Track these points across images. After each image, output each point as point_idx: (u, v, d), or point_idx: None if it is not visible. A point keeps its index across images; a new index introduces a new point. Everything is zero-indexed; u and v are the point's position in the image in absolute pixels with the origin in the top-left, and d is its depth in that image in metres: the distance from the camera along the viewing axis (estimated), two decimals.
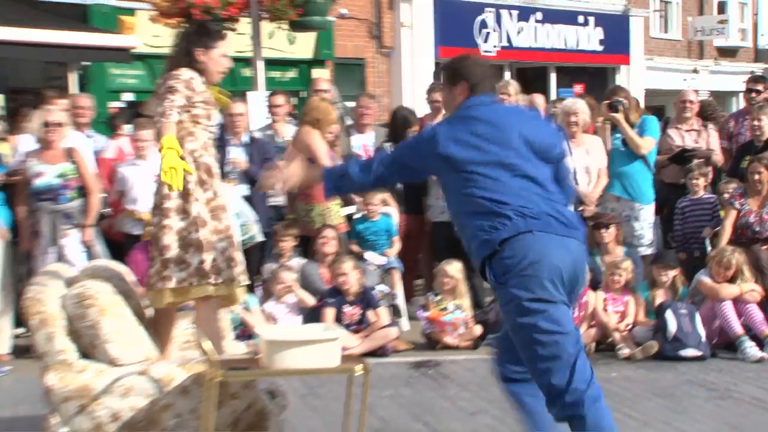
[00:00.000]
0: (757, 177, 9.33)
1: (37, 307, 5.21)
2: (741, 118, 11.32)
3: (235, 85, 17.43)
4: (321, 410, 6.86)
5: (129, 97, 17.45)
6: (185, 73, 5.60)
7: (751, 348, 8.40)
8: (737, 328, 8.55)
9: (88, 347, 5.14)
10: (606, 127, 10.13)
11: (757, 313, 8.63)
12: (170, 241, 5.43)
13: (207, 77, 5.75)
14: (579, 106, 10.07)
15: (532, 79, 23.26)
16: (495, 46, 22.97)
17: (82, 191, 8.77)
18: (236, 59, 18.85)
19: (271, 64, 16.74)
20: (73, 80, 16.15)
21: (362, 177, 5.03)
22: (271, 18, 12.36)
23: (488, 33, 22.93)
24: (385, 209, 9.99)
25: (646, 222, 9.93)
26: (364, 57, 21.57)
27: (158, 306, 5.55)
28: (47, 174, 8.68)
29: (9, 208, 8.83)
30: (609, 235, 9.46)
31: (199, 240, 5.42)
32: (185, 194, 5.46)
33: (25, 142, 9.33)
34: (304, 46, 19.49)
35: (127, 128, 10.54)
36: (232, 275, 5.59)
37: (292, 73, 20.03)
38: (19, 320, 8.76)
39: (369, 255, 9.77)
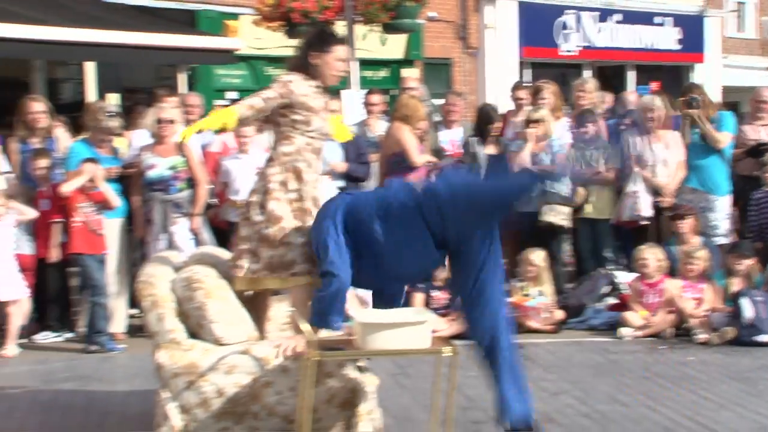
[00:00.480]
0: None
1: (149, 290, 5.27)
2: None
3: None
4: (411, 389, 6.84)
5: (233, 95, 17.61)
6: (288, 75, 5.54)
7: None
8: None
9: (195, 327, 5.17)
10: (685, 123, 9.92)
11: None
12: (247, 233, 5.40)
13: (322, 80, 5.58)
14: (656, 103, 9.91)
15: (610, 77, 22.95)
16: (576, 46, 22.72)
17: (191, 182, 8.85)
18: None
19: (364, 64, 16.75)
20: (182, 80, 16.35)
21: None
22: (364, 21, 12.37)
23: (569, 34, 22.68)
24: None
25: (721, 213, 9.72)
26: (451, 57, 21.50)
27: (235, 289, 5.50)
28: (159, 166, 8.77)
29: (125, 198, 8.95)
30: (686, 225, 9.27)
31: (270, 236, 5.34)
32: (266, 192, 5.41)
33: (140, 137, 9.44)
34: (394, 47, 19.45)
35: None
36: (308, 268, 5.43)
37: (383, 73, 20.03)
38: (133, 301, 8.90)
39: None
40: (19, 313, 8.44)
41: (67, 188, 8.43)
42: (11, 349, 8.23)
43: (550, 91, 10.36)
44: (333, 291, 4.89)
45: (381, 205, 5.04)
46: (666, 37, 24.75)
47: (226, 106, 14.40)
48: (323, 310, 4.90)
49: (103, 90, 15.57)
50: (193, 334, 5.17)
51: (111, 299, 8.74)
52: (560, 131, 10.17)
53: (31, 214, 8.57)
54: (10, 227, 8.41)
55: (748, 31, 29.37)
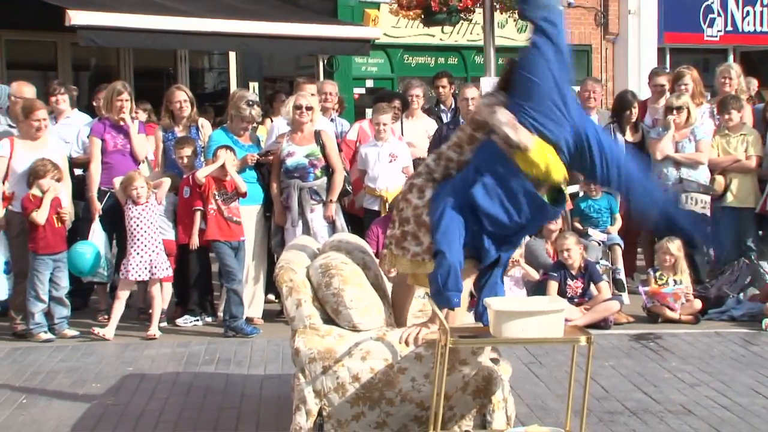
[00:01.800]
0: None
1: (287, 276, 5.33)
2: None
3: (468, 71, 17.51)
4: (545, 378, 6.78)
5: (370, 84, 17.74)
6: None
7: None
8: None
9: (332, 313, 5.22)
10: None
11: None
12: (408, 215, 5.39)
13: None
14: None
15: (756, 62, 22.22)
16: (719, 31, 22.07)
17: (328, 170, 8.94)
18: (469, 47, 19.02)
19: (502, 51, 16.63)
20: (320, 69, 16.56)
21: None
22: (502, 9, 12.26)
23: (713, 18, 22.05)
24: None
25: None
26: (591, 43, 21.16)
27: (393, 267, 5.49)
28: (297, 154, 8.87)
29: (263, 185, 9.09)
30: None
31: (427, 223, 5.32)
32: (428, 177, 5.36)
33: (279, 125, 9.58)
34: None
35: (368, 112, 10.69)
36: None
37: None
38: (270, 287, 9.05)
39: (592, 231, 9.58)
40: (161, 296, 8.68)
41: (200, 174, 8.62)
42: (153, 329, 8.46)
43: (690, 77, 10.11)
44: (444, 269, 4.88)
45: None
46: None
47: (364, 95, 14.58)
48: (439, 288, 4.89)
49: (244, 79, 15.89)
50: (329, 320, 5.23)
51: (248, 285, 8.91)
52: (702, 118, 9.91)
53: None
54: (154, 211, 8.64)
55: None
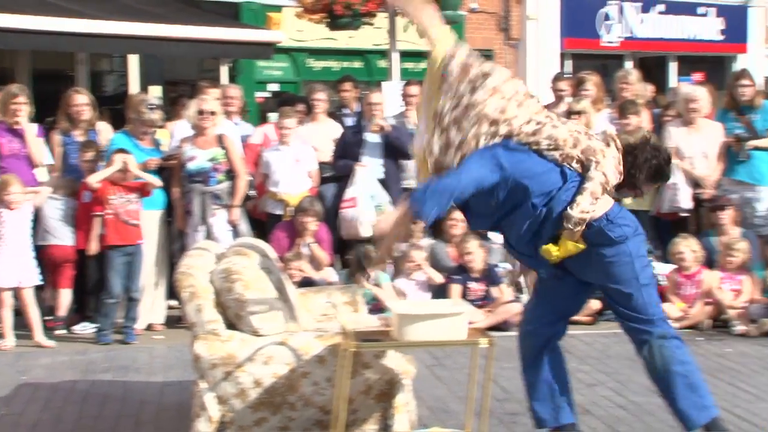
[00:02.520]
0: None
1: (188, 281, 5.30)
2: None
3: (372, 75, 17.56)
4: (447, 380, 6.84)
5: (274, 87, 17.67)
6: None
7: None
8: None
9: (234, 318, 5.20)
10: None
11: None
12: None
13: None
14: (699, 94, 9.82)
15: (652, 68, 22.74)
16: (618, 37, 22.54)
17: (231, 174, 8.89)
18: (373, 51, 19.03)
19: (406, 55, 16.71)
20: (223, 72, 16.43)
21: None
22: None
23: (611, 25, 22.50)
24: None
25: (766, 204, 9.61)
26: (493, 48, 21.40)
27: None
28: (199, 158, 8.82)
29: (164, 189, 9.01)
30: (726, 216, 9.19)
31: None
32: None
33: (181, 128, 9.50)
34: None
35: (272, 116, 10.64)
36: None
37: (424, 65, 19.88)
38: (172, 293, 8.97)
39: (493, 235, 9.68)
40: (34, 302, 8.43)
41: (92, 179, 8.50)
42: (39, 337, 8.28)
43: (592, 83, 10.30)
44: (443, 184, 4.81)
45: None
46: (709, 28, 24.47)
47: (268, 98, 14.49)
48: (425, 193, 4.80)
49: (145, 82, 15.68)
50: (231, 326, 5.20)
51: (149, 291, 8.82)
52: (602, 123, 10.10)
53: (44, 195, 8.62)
54: (27, 216, 8.46)
55: None
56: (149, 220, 8.82)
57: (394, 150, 9.61)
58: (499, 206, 4.92)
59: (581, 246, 4.84)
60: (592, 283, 5.13)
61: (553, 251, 4.87)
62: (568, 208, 4.80)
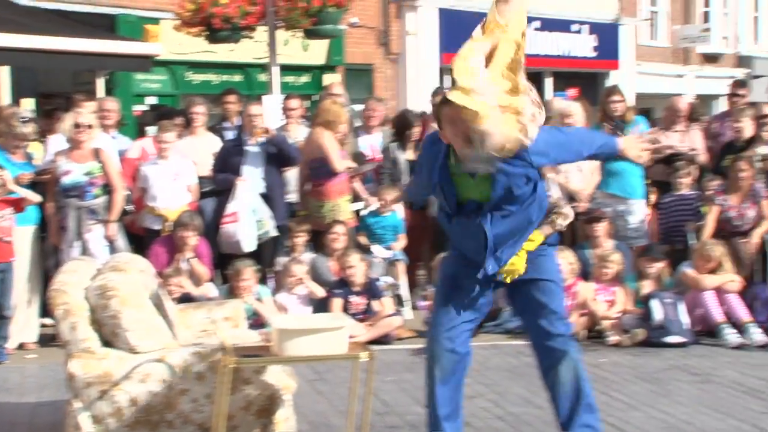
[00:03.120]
0: (741, 174, 9.29)
1: (62, 298, 5.18)
2: (724, 119, 11.28)
3: (252, 89, 17.49)
4: (328, 394, 6.83)
5: (152, 100, 17.44)
6: None
7: (730, 335, 8.37)
8: (718, 316, 8.52)
9: (110, 336, 5.11)
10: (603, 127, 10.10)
11: (736, 302, 8.59)
12: None
13: None
14: (574, 108, 10.05)
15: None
16: None
17: (107, 189, 8.74)
18: (254, 65, 18.97)
19: (286, 69, 16.70)
20: (100, 85, 16.15)
21: None
22: (286, 27, 12.32)
23: None
24: (395, 206, 9.92)
25: (639, 216, 9.88)
26: (373, 63, 21.54)
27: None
28: (75, 172, 8.64)
29: (38, 205, 8.79)
30: (600, 229, 9.41)
31: None
32: None
33: (56, 142, 9.30)
34: (316, 52, 19.45)
35: (150, 130, 10.50)
36: None
37: (305, 78, 20.01)
38: (45, 310, 8.74)
39: (375, 248, 9.73)
40: None
41: None
42: None
43: None
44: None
45: None
46: (582, 45, 25.13)
47: (146, 112, 14.27)
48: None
49: (18, 95, 15.31)
50: (108, 343, 5.10)
51: (21, 308, 8.59)
52: None
53: None
54: None
55: (661, 40, 29.93)
56: (22, 236, 8.58)
57: (278, 158, 9.58)
58: (520, 196, 4.81)
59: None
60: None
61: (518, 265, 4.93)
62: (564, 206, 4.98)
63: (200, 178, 9.68)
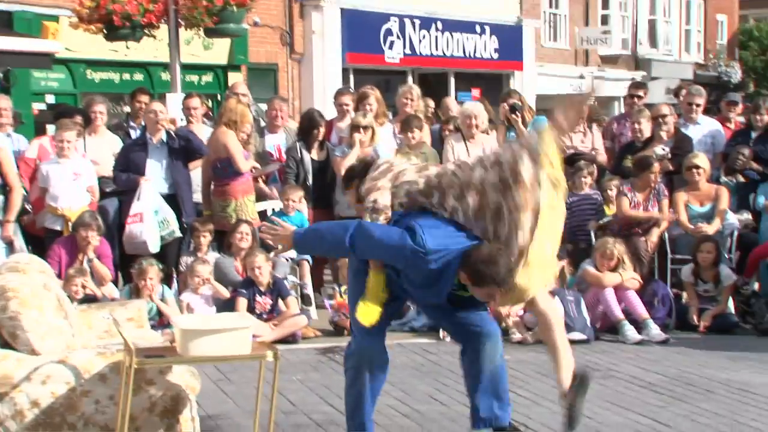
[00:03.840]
0: (650, 174, 9.53)
1: None
2: (622, 120, 11.54)
3: (154, 88, 17.27)
4: (233, 394, 6.80)
5: (51, 99, 17.12)
6: None
7: (630, 331, 8.56)
8: (618, 313, 8.70)
9: (9, 338, 5.01)
10: (502, 128, 10.23)
11: (636, 300, 8.79)
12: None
13: None
14: (478, 110, 10.17)
15: (433, 84, 23.38)
16: (399, 54, 23.04)
17: (4, 188, 8.55)
18: (155, 64, 18.73)
19: (189, 68, 16.56)
20: None
21: None
22: (187, 25, 12.19)
23: (393, 41, 22.98)
24: (299, 206, 9.91)
25: None
26: (277, 62, 21.47)
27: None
28: None
29: None
30: None
31: None
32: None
33: None
34: (219, 51, 19.32)
35: (49, 128, 10.32)
36: None
37: (208, 77, 19.86)
38: None
39: None
40: None
41: None
42: None
43: (374, 98, 10.48)
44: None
45: None
46: (486, 46, 25.40)
47: (44, 110, 14.00)
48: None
49: None
50: (6, 345, 5.01)
51: None
52: (385, 137, 10.31)
53: None
54: None
55: (561, 42, 30.44)
56: None
57: (184, 152, 9.52)
58: None
59: None
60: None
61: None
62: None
63: (101, 177, 9.55)
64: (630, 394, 6.80)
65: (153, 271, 8.56)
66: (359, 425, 5.32)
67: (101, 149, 9.91)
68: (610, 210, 10.10)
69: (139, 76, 18.47)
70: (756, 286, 9.69)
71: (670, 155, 10.09)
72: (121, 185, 9.55)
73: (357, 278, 5.30)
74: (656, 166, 9.66)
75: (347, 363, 5.40)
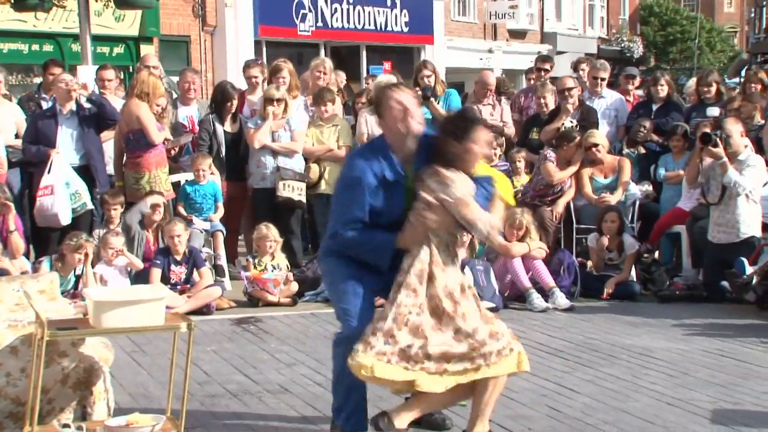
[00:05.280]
0: (573, 147, 9.68)
1: None
2: (530, 93, 11.65)
3: (65, 59, 16.89)
4: (148, 366, 6.73)
5: None
6: None
7: (537, 299, 8.68)
8: (526, 282, 8.81)
9: None
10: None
11: (543, 269, 8.91)
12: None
13: None
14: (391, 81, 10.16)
15: (345, 57, 23.30)
16: (311, 26, 22.89)
17: None
18: (66, 35, 18.34)
19: (99, 40, 16.22)
20: None
21: None
22: None
23: (305, 14, 22.81)
24: (211, 177, 9.81)
25: None
26: (189, 34, 21.17)
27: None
28: None
29: None
30: None
31: None
32: None
33: None
34: (130, 23, 18.98)
35: None
36: None
37: (119, 49, 19.48)
38: None
39: (196, 220, 9.61)
40: None
41: None
42: None
43: (288, 71, 10.41)
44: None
45: None
46: (397, 20, 25.38)
47: None
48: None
49: None
50: None
51: None
52: (297, 110, 10.25)
53: None
54: None
55: (471, 16, 30.57)
56: None
57: (96, 119, 9.36)
58: None
59: None
60: None
61: None
62: None
63: (9, 147, 9.34)
64: (537, 360, 6.87)
65: (90, 247, 8.42)
66: (357, 407, 5.06)
67: (2, 119, 9.68)
68: (518, 181, 10.22)
69: (48, 47, 18.03)
70: (656, 254, 9.91)
71: (578, 127, 10.23)
72: (31, 157, 9.34)
73: (327, 260, 5.17)
74: (577, 139, 9.78)
75: (337, 349, 5.09)
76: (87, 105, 9.37)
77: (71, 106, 9.34)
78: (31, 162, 9.43)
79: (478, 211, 4.90)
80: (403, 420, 4.94)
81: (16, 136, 9.81)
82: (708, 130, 9.07)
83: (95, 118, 9.41)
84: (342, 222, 5.01)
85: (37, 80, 13.36)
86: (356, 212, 4.94)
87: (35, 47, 17.96)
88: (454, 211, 4.87)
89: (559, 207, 9.69)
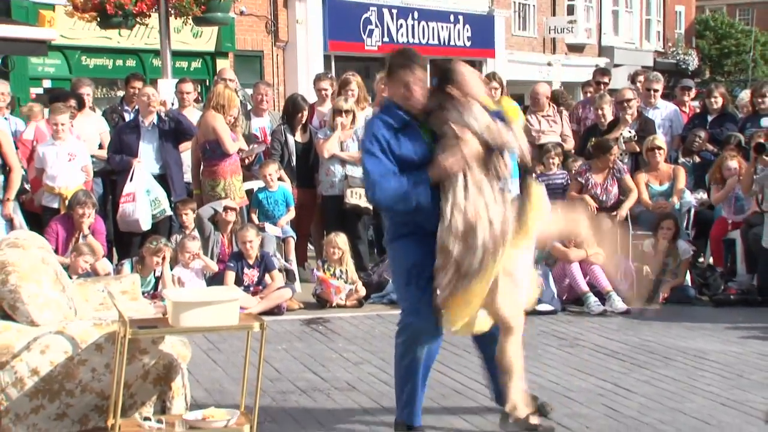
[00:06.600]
0: (610, 158, 9.56)
1: None
2: (587, 105, 11.55)
3: (146, 74, 17.18)
4: (223, 363, 6.80)
5: (48, 84, 16.99)
6: None
7: (594, 303, 8.59)
8: (583, 286, 8.73)
9: (9, 310, 4.97)
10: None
11: (599, 273, 8.81)
12: None
13: None
14: None
15: None
16: (378, 42, 22.98)
17: (4, 169, 8.49)
18: (147, 51, 18.63)
19: (178, 55, 16.46)
20: None
21: None
22: (177, 14, 12.12)
23: (372, 29, 22.91)
24: (280, 182, 9.88)
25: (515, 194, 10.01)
26: (262, 49, 21.39)
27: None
28: None
29: None
30: None
31: None
32: None
33: None
34: (207, 39, 19.22)
35: (45, 112, 10.26)
36: None
37: (196, 64, 19.74)
38: None
39: (267, 227, 9.68)
40: None
41: None
42: None
43: (356, 83, 10.44)
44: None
45: None
46: (459, 35, 25.38)
47: (40, 95, 13.88)
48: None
49: None
50: (7, 317, 4.97)
51: None
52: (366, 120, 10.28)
53: None
54: None
55: (530, 30, 30.44)
56: None
57: (175, 133, 9.50)
58: None
59: None
60: None
61: None
62: None
63: (91, 157, 9.54)
64: (594, 361, 6.84)
65: (168, 250, 8.58)
66: (409, 399, 5.18)
67: (88, 129, 9.87)
68: (571, 187, 10.12)
69: (131, 62, 18.34)
70: (711, 260, 9.77)
71: (636, 137, 10.12)
72: (115, 166, 9.51)
73: (411, 273, 5.11)
74: (615, 149, 9.68)
75: (398, 338, 5.18)
76: (165, 119, 9.52)
77: (152, 118, 9.51)
78: (113, 171, 9.62)
79: (507, 133, 4.89)
80: (520, 408, 5.13)
81: (100, 146, 10.02)
82: (762, 140, 8.93)
83: (174, 131, 9.56)
84: (378, 174, 4.95)
85: (120, 93, 13.58)
86: (383, 160, 4.94)
87: (119, 62, 18.28)
88: (483, 134, 4.86)
89: (623, 211, 9.53)
